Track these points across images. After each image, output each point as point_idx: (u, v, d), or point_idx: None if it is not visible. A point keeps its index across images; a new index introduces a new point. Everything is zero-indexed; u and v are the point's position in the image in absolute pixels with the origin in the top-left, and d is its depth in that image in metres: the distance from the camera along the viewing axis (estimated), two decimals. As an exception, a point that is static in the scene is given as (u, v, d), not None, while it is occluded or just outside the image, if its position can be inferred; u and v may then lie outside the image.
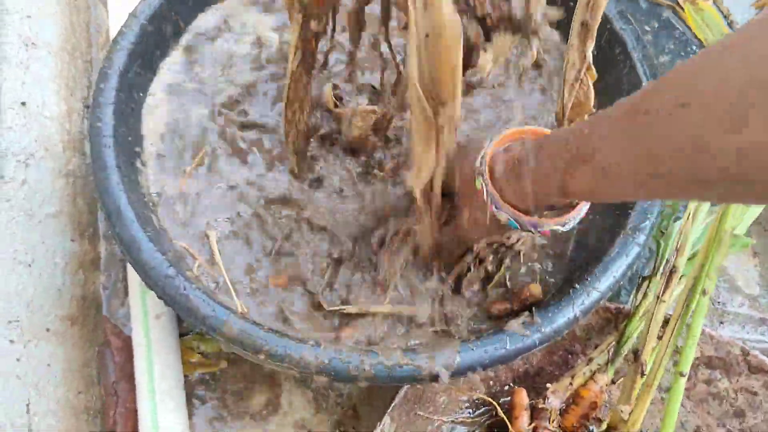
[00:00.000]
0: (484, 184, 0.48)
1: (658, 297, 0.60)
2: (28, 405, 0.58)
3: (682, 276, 0.62)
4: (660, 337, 0.59)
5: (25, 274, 0.63)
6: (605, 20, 0.68)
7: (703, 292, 0.58)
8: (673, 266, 0.60)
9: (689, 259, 0.64)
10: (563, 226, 0.48)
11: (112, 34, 0.78)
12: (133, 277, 0.64)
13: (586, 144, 0.39)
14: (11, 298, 0.61)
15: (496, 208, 0.48)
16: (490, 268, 0.60)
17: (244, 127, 0.68)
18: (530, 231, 0.49)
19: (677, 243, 0.62)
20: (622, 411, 0.57)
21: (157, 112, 0.68)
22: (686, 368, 0.57)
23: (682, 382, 0.56)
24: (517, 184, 0.47)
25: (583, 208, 0.48)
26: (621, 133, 0.35)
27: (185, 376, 0.63)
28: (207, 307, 0.50)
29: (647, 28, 0.88)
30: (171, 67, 0.70)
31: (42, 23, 0.79)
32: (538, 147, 0.45)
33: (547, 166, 0.43)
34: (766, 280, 0.75)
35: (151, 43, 0.67)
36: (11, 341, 0.59)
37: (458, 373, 0.50)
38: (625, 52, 0.67)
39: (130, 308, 0.64)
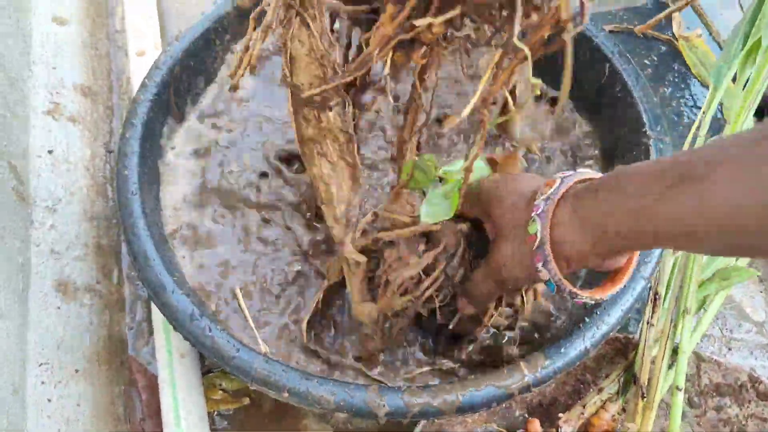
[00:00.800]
0: (539, 231, 0.43)
1: (647, 322, 0.62)
2: (59, 444, 0.60)
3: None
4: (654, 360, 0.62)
5: (54, 316, 0.66)
6: (605, 59, 0.71)
7: (686, 311, 0.61)
8: (656, 292, 0.63)
9: (700, 285, 0.67)
10: (597, 300, 0.47)
11: (133, 80, 0.82)
12: (157, 317, 0.67)
13: (696, 165, 0.36)
14: (43, 340, 0.63)
15: (542, 264, 0.44)
16: (513, 305, 0.58)
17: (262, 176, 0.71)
18: (565, 297, 0.45)
19: (657, 271, 0.64)
20: (628, 428, 0.59)
21: (180, 160, 0.71)
22: (681, 382, 0.60)
23: (679, 396, 0.59)
24: (582, 227, 0.42)
25: (620, 285, 0.47)
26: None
27: (208, 413, 0.65)
28: (232, 348, 0.53)
29: (646, 61, 0.91)
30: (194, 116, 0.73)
31: (66, 72, 0.82)
32: (624, 174, 0.41)
33: (635, 192, 0.39)
34: (772, 307, 0.77)
35: (173, 94, 0.70)
36: (42, 383, 0.62)
37: (467, 409, 0.52)
38: (626, 90, 0.69)
39: (154, 347, 0.67)
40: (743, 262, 0.68)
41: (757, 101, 0.67)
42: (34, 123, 0.75)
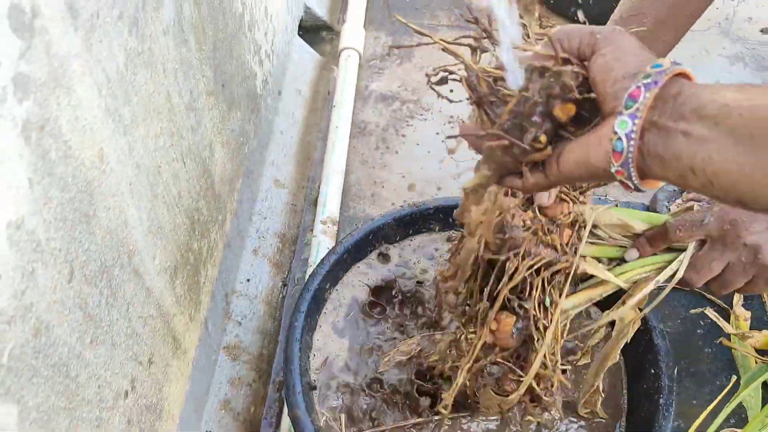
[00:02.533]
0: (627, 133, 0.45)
1: None
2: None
3: None
4: None
5: (223, 411, 0.98)
6: (649, 331, 0.94)
7: None
8: None
9: None
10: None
11: (314, 241, 1.15)
12: (285, 421, 0.97)
13: None
14: (216, 419, 0.95)
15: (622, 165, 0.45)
16: None
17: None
18: (631, 185, 0.47)
19: None
20: None
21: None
22: None
23: None
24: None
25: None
26: None
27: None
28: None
29: (701, 322, 1.11)
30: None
31: (271, 222, 1.18)
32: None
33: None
34: None
35: (342, 269, 1.02)
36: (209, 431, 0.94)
37: None
38: (656, 361, 0.92)
39: (278, 441, 0.97)
40: None
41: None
42: (244, 260, 1.10)
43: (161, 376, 0.74)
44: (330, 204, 1.21)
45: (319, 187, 1.26)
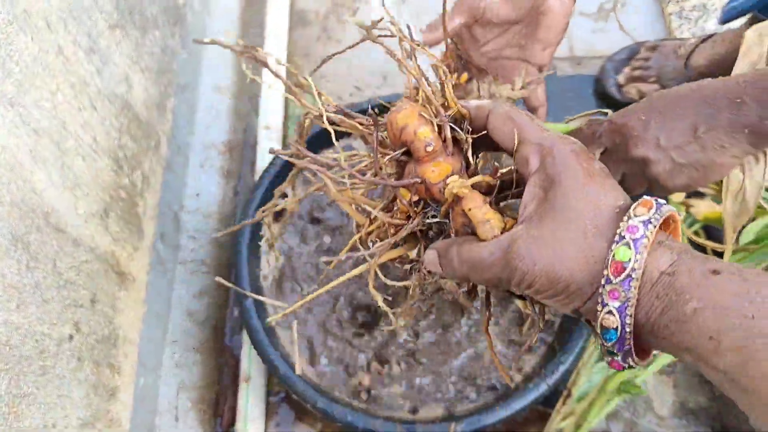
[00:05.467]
0: (633, 261, 0.36)
1: (557, 410, 0.92)
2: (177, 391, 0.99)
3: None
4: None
5: (185, 314, 1.04)
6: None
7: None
8: (568, 389, 0.92)
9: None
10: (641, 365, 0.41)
11: (259, 147, 1.16)
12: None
13: None
14: (175, 327, 1.02)
15: (615, 300, 0.36)
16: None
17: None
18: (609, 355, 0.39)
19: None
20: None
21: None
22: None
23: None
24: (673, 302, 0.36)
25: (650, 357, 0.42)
26: None
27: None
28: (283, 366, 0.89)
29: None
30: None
31: (216, 132, 1.18)
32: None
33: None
34: (676, 407, 1.04)
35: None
36: (174, 353, 1.01)
37: None
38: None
39: (241, 341, 1.04)
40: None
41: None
42: (190, 175, 1.12)
43: (109, 310, 0.79)
44: (272, 107, 1.20)
45: (260, 89, 1.25)
